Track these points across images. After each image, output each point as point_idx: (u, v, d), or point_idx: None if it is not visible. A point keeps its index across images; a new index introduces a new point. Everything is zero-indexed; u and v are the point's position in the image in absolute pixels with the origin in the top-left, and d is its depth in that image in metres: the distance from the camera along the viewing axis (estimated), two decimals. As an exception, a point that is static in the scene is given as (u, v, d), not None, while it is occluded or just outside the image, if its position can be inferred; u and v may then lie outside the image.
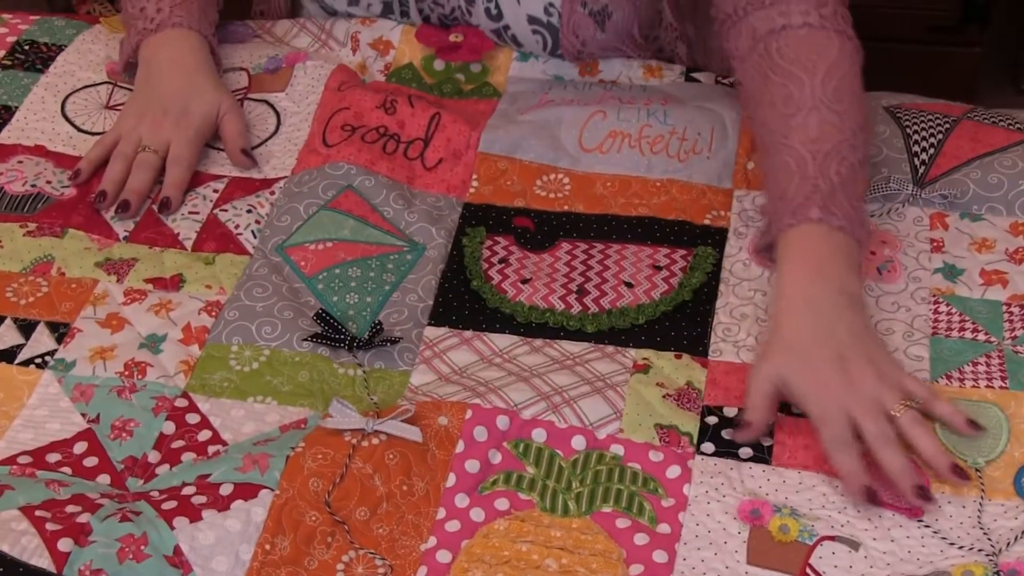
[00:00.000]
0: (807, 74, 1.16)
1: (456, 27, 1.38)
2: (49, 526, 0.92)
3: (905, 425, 0.99)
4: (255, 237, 1.22)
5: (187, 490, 0.97)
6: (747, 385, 1.04)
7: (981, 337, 1.09)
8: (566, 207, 1.23)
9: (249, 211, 1.24)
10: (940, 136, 1.24)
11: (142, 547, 0.92)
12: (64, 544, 0.91)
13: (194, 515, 0.95)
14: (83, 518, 0.93)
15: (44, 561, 0.90)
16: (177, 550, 0.93)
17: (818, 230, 1.08)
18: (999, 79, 2.43)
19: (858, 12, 1.25)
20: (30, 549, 0.91)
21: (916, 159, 1.23)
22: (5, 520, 0.92)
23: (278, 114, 1.35)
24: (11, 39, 1.44)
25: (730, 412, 1.05)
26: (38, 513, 0.93)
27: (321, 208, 1.22)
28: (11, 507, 0.94)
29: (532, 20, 1.34)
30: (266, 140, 1.32)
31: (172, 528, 0.93)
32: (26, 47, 1.43)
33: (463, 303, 1.15)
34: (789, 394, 1.02)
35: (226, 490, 0.96)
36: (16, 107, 1.36)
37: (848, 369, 1.01)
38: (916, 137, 1.25)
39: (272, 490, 0.96)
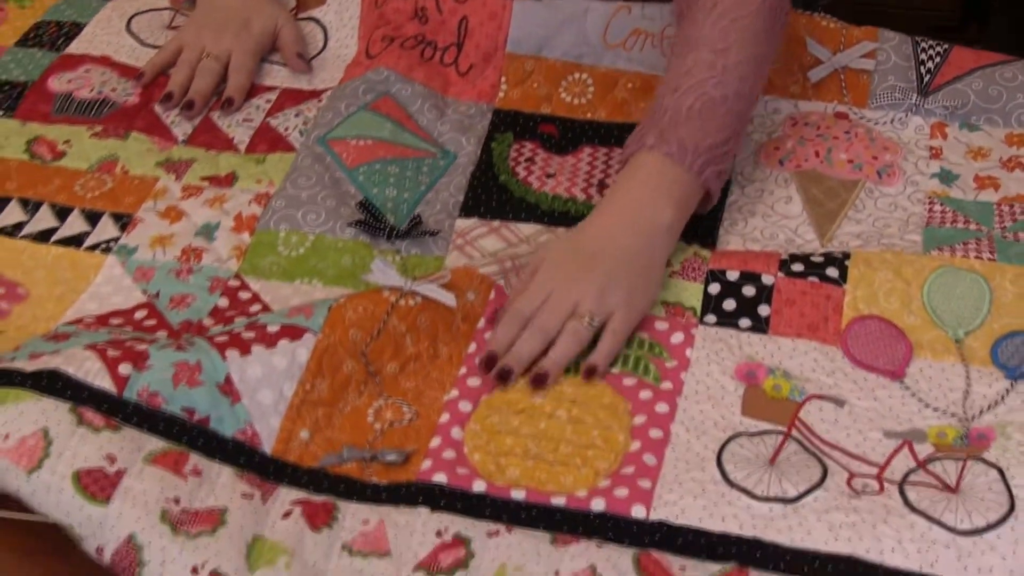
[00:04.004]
0: (703, 14, 1.15)
1: None
2: (111, 352, 0.98)
3: (564, 330, 1.04)
4: (301, 136, 1.30)
5: (237, 329, 1.05)
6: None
7: (972, 227, 1.14)
8: (589, 115, 1.31)
9: (297, 115, 1.33)
10: (947, 46, 1.30)
11: (196, 374, 0.98)
12: (124, 368, 0.97)
13: (244, 348, 1.01)
14: (141, 347, 1.00)
15: (106, 383, 0.96)
16: (228, 379, 0.99)
17: (651, 158, 1.10)
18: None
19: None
20: (93, 371, 0.97)
21: (922, 67, 1.29)
22: (71, 352, 0.99)
23: (324, 29, 1.44)
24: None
25: (732, 276, 1.10)
26: (100, 345, 1.00)
27: (361, 108, 1.31)
28: (77, 346, 1.01)
29: None
30: (314, 56, 1.41)
31: (224, 359, 1.00)
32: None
33: (491, 196, 1.23)
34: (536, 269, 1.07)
35: (273, 328, 1.03)
36: (85, 23, 1.46)
37: (581, 270, 1.05)
38: (924, 44, 1.31)
39: (316, 333, 1.03)
